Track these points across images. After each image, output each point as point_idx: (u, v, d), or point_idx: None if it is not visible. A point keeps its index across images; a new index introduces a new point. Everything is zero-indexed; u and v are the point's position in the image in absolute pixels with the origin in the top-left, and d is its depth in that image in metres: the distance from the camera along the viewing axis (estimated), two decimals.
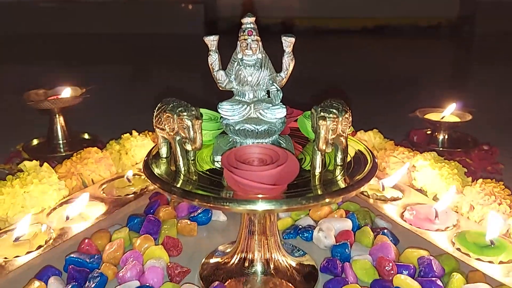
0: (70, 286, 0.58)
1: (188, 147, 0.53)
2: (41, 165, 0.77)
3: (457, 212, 0.73)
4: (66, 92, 1.04)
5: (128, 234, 0.70)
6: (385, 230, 0.70)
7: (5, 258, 0.62)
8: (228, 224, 0.77)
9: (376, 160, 0.57)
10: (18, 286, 0.58)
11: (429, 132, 1.09)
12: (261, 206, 0.47)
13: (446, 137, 1.05)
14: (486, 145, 1.05)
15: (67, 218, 0.71)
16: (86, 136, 1.10)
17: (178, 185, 0.52)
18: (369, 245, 0.68)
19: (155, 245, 0.67)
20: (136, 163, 0.91)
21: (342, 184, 0.52)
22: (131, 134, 0.94)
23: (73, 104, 1.02)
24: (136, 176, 0.85)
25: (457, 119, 1.05)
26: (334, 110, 0.52)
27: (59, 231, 0.68)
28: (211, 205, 0.48)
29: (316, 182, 0.53)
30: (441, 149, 1.02)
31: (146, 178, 0.77)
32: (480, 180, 0.74)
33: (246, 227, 0.60)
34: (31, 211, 0.71)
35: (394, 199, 0.78)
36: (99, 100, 1.13)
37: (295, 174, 0.50)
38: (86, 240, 0.67)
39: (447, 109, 1.06)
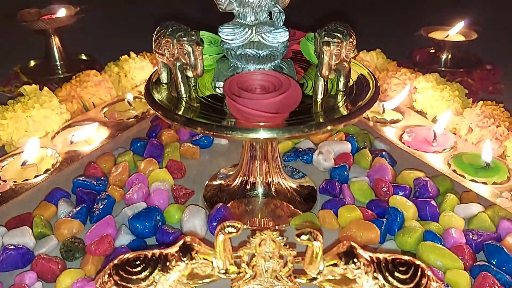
0: (79, 208, 0.60)
1: (189, 73, 0.53)
2: (41, 89, 0.77)
3: (456, 134, 0.75)
4: (61, 12, 1.00)
5: (132, 157, 0.72)
6: (383, 152, 0.72)
7: (15, 181, 0.63)
8: (230, 148, 0.78)
9: (378, 85, 0.57)
10: (29, 208, 0.61)
11: (432, 51, 1.07)
12: (262, 134, 0.48)
13: (450, 56, 1.03)
14: (489, 65, 1.04)
15: (71, 142, 0.72)
16: (83, 57, 1.08)
17: (180, 113, 0.52)
18: (367, 167, 0.70)
19: (159, 168, 0.69)
20: (136, 86, 0.90)
21: (344, 111, 0.52)
22: (129, 55, 0.93)
23: (68, 24, 0.98)
24: (137, 99, 0.85)
25: (462, 38, 1.03)
26: (338, 35, 0.51)
27: (65, 155, 0.70)
28: (213, 133, 0.49)
29: (318, 109, 0.53)
30: (443, 69, 1.01)
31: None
32: (481, 102, 0.74)
33: (248, 152, 0.61)
34: (35, 135, 0.72)
35: (394, 122, 0.79)
36: (94, 20, 1.09)
37: (297, 102, 0.50)
38: (92, 164, 0.69)
39: (453, 27, 1.03)
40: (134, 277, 0.40)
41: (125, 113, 0.81)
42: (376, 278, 0.40)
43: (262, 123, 0.48)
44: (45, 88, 0.77)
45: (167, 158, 0.72)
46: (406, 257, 0.42)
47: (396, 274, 0.40)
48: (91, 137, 0.74)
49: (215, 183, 0.67)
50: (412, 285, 0.40)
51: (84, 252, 0.55)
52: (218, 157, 0.76)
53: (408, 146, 0.72)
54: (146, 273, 0.40)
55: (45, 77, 0.98)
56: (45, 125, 0.73)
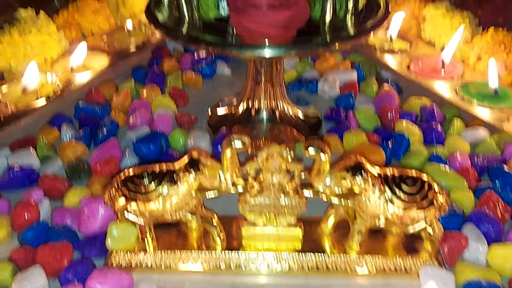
0: (83, 132, 0.60)
1: None
2: (37, 14, 0.74)
3: (464, 63, 0.73)
4: None
5: (134, 85, 0.70)
6: (390, 81, 0.71)
7: (16, 105, 0.62)
8: (232, 77, 0.77)
9: (389, 5, 0.55)
10: (31, 132, 0.60)
11: None
12: (269, 52, 0.46)
13: None
14: None
15: (72, 69, 0.71)
16: None
17: (184, 31, 0.50)
18: (373, 95, 0.69)
19: (162, 95, 0.68)
20: (135, 13, 0.87)
21: (352, 31, 0.51)
22: None
23: None
24: (137, 29, 0.82)
25: None
26: None
27: (65, 82, 0.68)
28: (218, 51, 0.47)
29: (326, 29, 0.51)
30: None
31: (148, 27, 0.75)
32: (491, 29, 0.72)
33: (252, 77, 0.60)
34: (34, 60, 0.70)
35: (401, 51, 0.77)
36: None
37: (305, 18, 0.48)
38: (94, 90, 0.67)
39: None
40: (144, 188, 0.41)
41: (125, 41, 0.79)
42: (383, 190, 0.40)
43: (268, 40, 0.47)
44: (41, 12, 0.74)
45: (169, 86, 0.70)
46: (414, 172, 0.42)
47: (403, 186, 0.40)
48: (91, 64, 0.72)
49: (219, 110, 0.66)
50: (418, 197, 0.40)
51: (89, 173, 0.55)
52: (221, 86, 0.74)
53: (415, 75, 0.71)
54: (154, 185, 0.40)
55: (40, 6, 0.94)
56: (43, 50, 0.71)
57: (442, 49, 0.76)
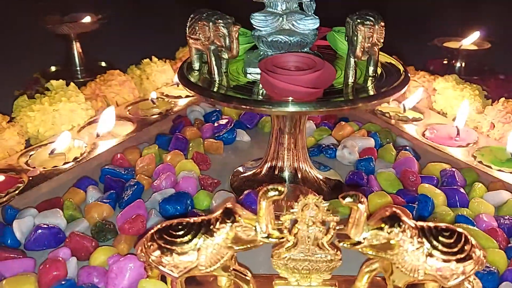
0: (109, 193, 0.60)
1: (224, 55, 0.54)
2: (67, 85, 0.78)
3: (477, 130, 0.75)
4: (86, 18, 1.02)
5: (157, 150, 0.72)
6: (407, 147, 0.72)
7: (44, 167, 0.64)
8: (252, 144, 0.79)
9: (408, 72, 0.58)
10: (58, 194, 0.61)
11: (445, 62, 1.09)
12: (296, 108, 0.48)
13: (463, 65, 1.05)
14: (503, 75, 1.05)
15: (98, 135, 0.73)
16: (103, 64, 1.09)
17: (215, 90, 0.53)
18: (392, 161, 0.70)
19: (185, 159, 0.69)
20: (157, 88, 0.91)
21: (373, 92, 0.53)
22: (151, 59, 0.94)
23: (90, 30, 1.01)
24: (160, 98, 0.86)
25: (475, 47, 1.05)
26: (371, 18, 0.52)
27: (91, 146, 0.70)
28: (248, 107, 0.49)
29: (349, 90, 0.54)
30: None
31: (170, 98, 0.78)
32: (502, 99, 0.75)
33: (275, 137, 0.62)
34: (61, 128, 0.72)
35: (416, 120, 0.80)
36: (112, 28, 1.11)
37: (332, 80, 0.51)
38: (119, 155, 0.69)
39: (467, 37, 1.05)
40: (178, 240, 0.40)
41: (148, 111, 0.82)
42: (421, 242, 0.40)
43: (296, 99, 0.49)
44: (71, 83, 0.78)
45: (192, 151, 0.72)
46: (450, 225, 0.42)
47: (441, 238, 0.40)
48: (116, 132, 0.75)
49: (241, 173, 0.67)
50: (456, 250, 0.40)
51: (116, 233, 0.54)
52: (241, 152, 0.76)
53: (432, 141, 0.73)
54: (189, 236, 0.40)
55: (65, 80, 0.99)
56: (71, 119, 0.74)
57: (454, 119, 0.79)
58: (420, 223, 0.41)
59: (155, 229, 0.42)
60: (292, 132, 0.61)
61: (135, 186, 0.61)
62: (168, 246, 0.40)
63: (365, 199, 0.40)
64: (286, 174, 0.62)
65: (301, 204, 0.41)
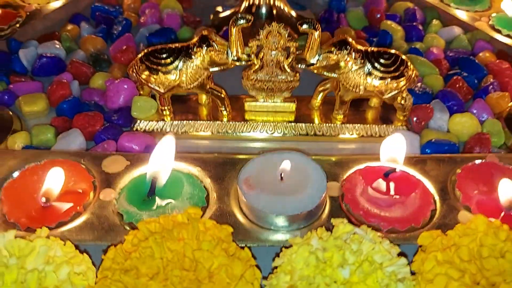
0: (100, 28, 0.66)
1: None
2: None
3: None
4: None
5: None
6: None
7: (38, 3, 0.69)
8: None
9: None
10: (54, 28, 0.67)
11: None
12: None
13: None
14: None
15: None
16: None
17: None
18: None
19: None
20: None
21: None
22: None
23: None
24: None
25: None
26: None
27: None
28: None
29: None
30: None
31: None
32: None
33: None
34: None
35: None
36: None
37: None
38: None
39: None
40: (163, 61, 0.48)
41: None
42: (363, 63, 0.48)
43: None
44: None
45: None
46: (393, 50, 0.49)
47: (381, 60, 0.48)
48: None
49: (221, 12, 0.73)
50: (392, 69, 0.48)
51: (110, 63, 0.62)
52: None
53: None
54: (172, 58, 0.48)
55: None
56: None
57: None
58: (366, 48, 0.49)
59: (143, 53, 0.49)
60: None
61: (124, 22, 0.67)
62: (154, 67, 0.48)
63: (319, 26, 0.47)
64: (262, 11, 0.68)
65: (266, 31, 0.48)
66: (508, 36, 0.64)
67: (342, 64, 0.49)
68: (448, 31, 0.67)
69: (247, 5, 0.68)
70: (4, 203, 0.40)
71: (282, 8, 0.69)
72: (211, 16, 0.72)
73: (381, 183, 0.42)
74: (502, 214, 0.40)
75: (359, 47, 0.49)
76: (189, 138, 0.53)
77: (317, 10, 0.74)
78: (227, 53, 0.49)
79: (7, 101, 0.55)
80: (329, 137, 0.53)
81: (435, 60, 0.62)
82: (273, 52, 0.49)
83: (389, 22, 0.68)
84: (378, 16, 0.70)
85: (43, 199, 0.39)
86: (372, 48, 0.49)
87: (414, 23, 0.69)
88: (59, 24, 0.68)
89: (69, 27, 0.67)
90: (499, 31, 0.65)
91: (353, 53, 0.48)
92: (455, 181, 0.43)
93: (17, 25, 0.64)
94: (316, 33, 0.47)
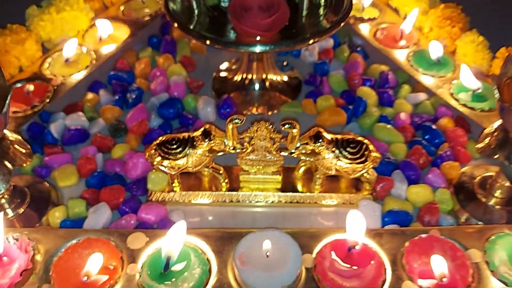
0: (117, 97, 0.78)
1: None
2: None
3: (421, 31, 0.89)
4: None
5: (151, 53, 0.87)
6: (358, 48, 0.87)
7: (63, 76, 0.80)
8: None
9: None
10: (77, 97, 0.78)
11: None
12: (259, 48, 0.63)
13: None
14: None
15: (100, 39, 0.87)
16: None
17: (192, 27, 0.67)
18: (345, 61, 0.86)
19: (175, 63, 0.85)
20: None
21: (325, 24, 0.67)
22: None
23: None
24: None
25: None
26: None
27: (97, 52, 0.85)
28: (220, 47, 0.64)
29: (304, 22, 0.68)
30: None
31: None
32: (442, 6, 0.87)
33: (246, 60, 0.77)
34: (69, 33, 0.86)
35: (371, 19, 0.92)
36: None
37: (286, 21, 0.65)
38: (120, 59, 0.84)
39: None
40: (173, 151, 0.60)
41: (140, 11, 0.94)
42: (334, 151, 0.59)
43: (258, 38, 0.64)
44: None
45: (180, 54, 0.87)
46: (357, 137, 0.61)
47: (348, 148, 0.59)
48: (115, 35, 0.88)
49: (221, 75, 0.84)
50: (358, 155, 0.60)
51: (126, 131, 0.74)
52: (222, 51, 0.90)
53: (379, 43, 0.87)
54: (180, 149, 0.60)
55: None
56: (76, 25, 0.87)
57: (405, 17, 0.92)
58: (336, 136, 0.60)
59: (157, 142, 0.61)
60: (260, 57, 0.76)
61: (137, 91, 0.79)
62: (167, 156, 0.60)
63: (297, 125, 0.58)
64: (255, 84, 0.79)
65: (256, 127, 0.59)
66: (464, 105, 0.75)
67: (316, 151, 0.60)
68: (415, 97, 0.78)
69: (241, 77, 0.79)
70: (55, 280, 0.52)
71: (273, 78, 0.80)
72: (212, 80, 0.84)
73: (345, 256, 0.54)
74: (435, 282, 0.52)
75: (330, 136, 0.60)
76: (194, 205, 0.65)
77: (304, 70, 0.85)
78: (225, 142, 0.60)
79: (44, 173, 0.67)
80: (309, 204, 0.65)
81: (401, 127, 0.73)
82: (262, 142, 0.60)
83: (364, 88, 0.79)
84: (356, 81, 0.80)
85: (85, 278, 0.51)
86: (342, 137, 0.60)
87: (387, 87, 0.80)
88: (81, 92, 0.79)
89: (89, 96, 0.78)
90: (456, 100, 0.76)
91: (325, 144, 0.59)
92: (403, 253, 0.55)
93: (47, 101, 0.75)
94: (295, 131, 0.58)
